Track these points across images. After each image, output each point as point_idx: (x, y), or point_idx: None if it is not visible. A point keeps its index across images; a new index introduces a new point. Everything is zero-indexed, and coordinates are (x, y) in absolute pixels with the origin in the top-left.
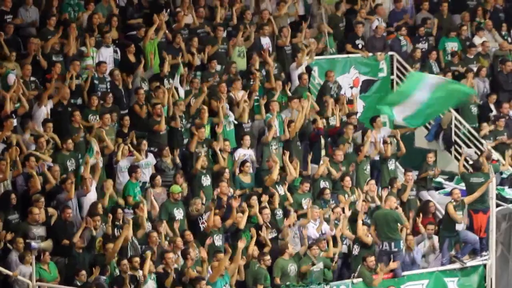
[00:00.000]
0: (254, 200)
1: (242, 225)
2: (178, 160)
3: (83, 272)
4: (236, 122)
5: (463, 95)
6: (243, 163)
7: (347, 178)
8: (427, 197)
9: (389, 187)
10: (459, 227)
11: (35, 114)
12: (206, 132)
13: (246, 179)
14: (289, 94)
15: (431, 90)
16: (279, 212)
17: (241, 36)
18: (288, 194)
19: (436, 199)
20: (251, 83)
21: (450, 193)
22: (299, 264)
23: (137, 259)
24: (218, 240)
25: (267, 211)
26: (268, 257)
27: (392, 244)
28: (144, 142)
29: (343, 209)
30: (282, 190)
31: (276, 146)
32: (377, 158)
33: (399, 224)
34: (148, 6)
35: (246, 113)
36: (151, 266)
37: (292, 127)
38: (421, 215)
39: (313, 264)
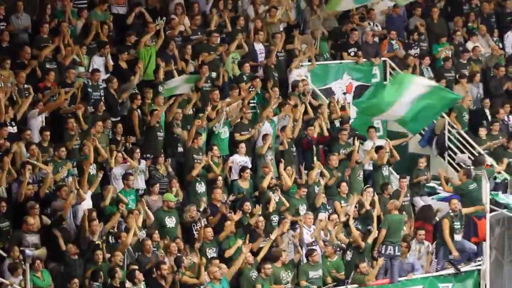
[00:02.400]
0: (247, 206)
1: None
2: (170, 169)
3: (76, 280)
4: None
5: (450, 101)
6: (243, 169)
7: (344, 184)
8: (420, 203)
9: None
10: (458, 237)
11: (30, 122)
12: (203, 139)
13: (245, 184)
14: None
15: (414, 101)
16: (275, 218)
17: (235, 44)
18: (284, 199)
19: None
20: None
21: (448, 203)
22: (293, 271)
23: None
24: (211, 254)
25: (260, 218)
26: (269, 265)
27: (396, 248)
28: (137, 150)
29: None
30: (277, 196)
31: (272, 157)
32: (369, 167)
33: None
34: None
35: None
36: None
37: (285, 132)
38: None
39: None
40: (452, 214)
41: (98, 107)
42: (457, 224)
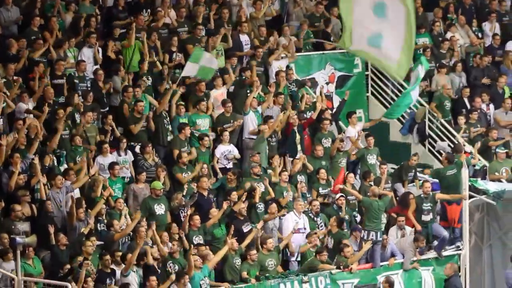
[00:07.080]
0: (234, 196)
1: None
2: (157, 159)
3: (68, 266)
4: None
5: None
6: (227, 172)
7: (322, 171)
8: (402, 190)
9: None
10: (426, 218)
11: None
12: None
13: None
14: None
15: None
16: (260, 206)
17: (219, 37)
18: (270, 189)
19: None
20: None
21: (421, 185)
22: (278, 258)
23: (119, 253)
24: (197, 241)
25: (243, 204)
26: (254, 251)
27: (378, 234)
28: (124, 140)
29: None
30: (263, 186)
31: (266, 150)
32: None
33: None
34: (128, 7)
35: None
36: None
37: (270, 123)
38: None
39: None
40: (422, 196)
41: (87, 97)
42: (426, 206)
